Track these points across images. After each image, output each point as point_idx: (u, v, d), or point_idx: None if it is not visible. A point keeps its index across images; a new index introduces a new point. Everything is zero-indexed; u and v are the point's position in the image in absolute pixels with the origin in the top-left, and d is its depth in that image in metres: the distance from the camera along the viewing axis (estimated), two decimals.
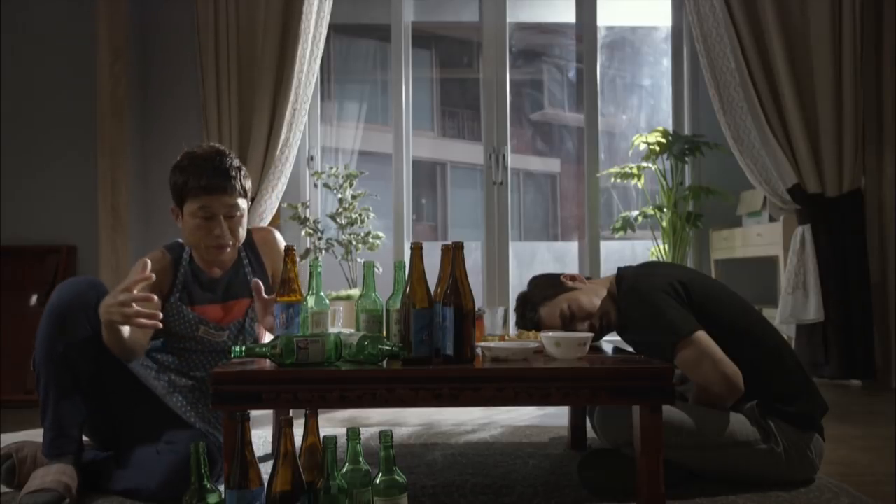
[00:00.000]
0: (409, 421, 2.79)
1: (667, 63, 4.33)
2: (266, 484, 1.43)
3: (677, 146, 3.82)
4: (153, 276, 1.73)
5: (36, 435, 1.89)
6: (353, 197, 3.25)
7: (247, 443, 1.42)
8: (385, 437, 1.48)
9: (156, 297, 1.75)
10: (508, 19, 4.09)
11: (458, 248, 1.62)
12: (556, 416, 2.77)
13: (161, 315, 1.75)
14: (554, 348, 1.70)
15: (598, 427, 1.92)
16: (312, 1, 3.52)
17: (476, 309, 1.65)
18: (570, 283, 2.11)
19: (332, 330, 1.74)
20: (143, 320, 1.70)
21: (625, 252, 4.51)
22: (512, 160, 4.08)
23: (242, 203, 2.02)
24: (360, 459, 1.48)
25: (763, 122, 3.46)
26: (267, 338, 2.15)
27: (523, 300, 2.17)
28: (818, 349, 3.42)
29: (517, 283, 4.02)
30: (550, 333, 1.78)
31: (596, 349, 1.96)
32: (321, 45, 3.61)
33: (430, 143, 5.56)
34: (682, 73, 4.15)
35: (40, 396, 1.85)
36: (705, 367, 1.81)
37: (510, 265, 4.07)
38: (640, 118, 4.91)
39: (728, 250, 3.92)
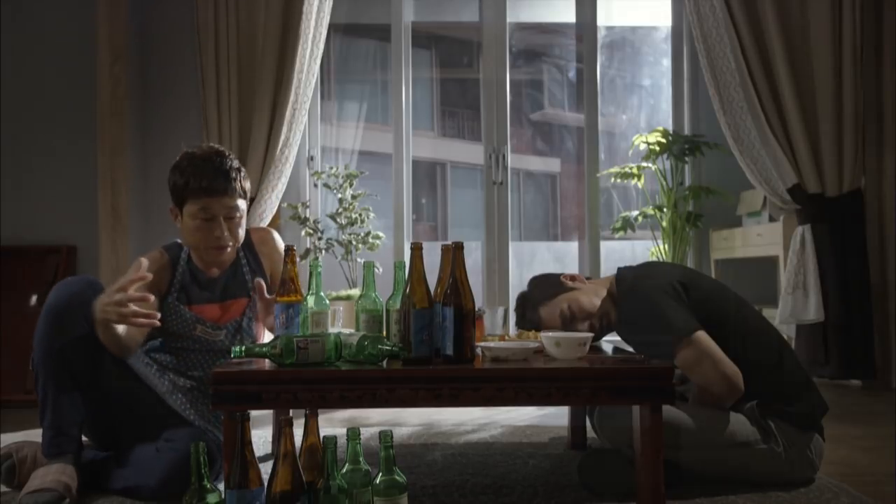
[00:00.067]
0: (409, 421, 2.79)
1: (667, 63, 4.32)
2: (266, 484, 1.43)
3: (677, 146, 3.82)
4: (149, 276, 1.73)
5: (36, 435, 1.89)
6: (353, 197, 3.25)
7: (247, 443, 1.42)
8: (385, 437, 1.48)
9: (152, 297, 1.75)
10: (508, 19, 4.09)
11: (458, 248, 1.62)
12: (556, 416, 2.77)
13: (159, 315, 1.75)
14: (554, 348, 1.70)
15: (598, 427, 1.92)
16: (312, 1, 3.52)
17: (476, 309, 1.65)
18: (570, 283, 2.11)
19: (332, 330, 1.74)
20: (140, 320, 1.70)
21: (625, 252, 4.51)
22: (512, 160, 4.08)
23: (242, 204, 2.02)
24: (360, 459, 1.48)
25: (763, 122, 3.46)
26: (266, 337, 2.15)
27: (523, 300, 2.17)
28: (818, 349, 3.42)
29: (517, 283, 4.02)
30: (550, 333, 1.78)
31: (596, 349, 1.96)
32: (321, 45, 3.61)
33: (430, 143, 5.55)
34: (682, 73, 4.15)
35: (39, 396, 1.85)
36: (705, 367, 1.81)
37: (510, 265, 4.07)
38: (640, 118, 4.91)
39: (728, 250, 3.92)
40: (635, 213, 3.90)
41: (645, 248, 4.17)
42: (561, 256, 5.06)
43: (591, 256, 4.11)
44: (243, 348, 1.58)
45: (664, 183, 3.88)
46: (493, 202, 4.05)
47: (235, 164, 2.01)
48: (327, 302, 1.75)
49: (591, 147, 4.13)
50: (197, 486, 1.40)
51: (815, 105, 3.48)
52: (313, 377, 1.56)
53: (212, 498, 1.40)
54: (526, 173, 5.70)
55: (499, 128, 4.06)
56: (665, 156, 3.86)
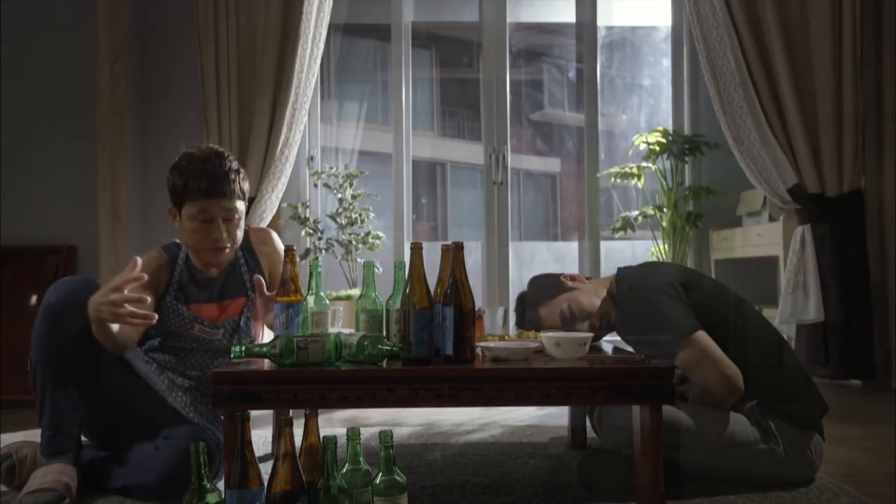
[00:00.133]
0: (409, 421, 2.79)
1: (667, 63, 4.32)
2: (266, 484, 1.43)
3: (677, 146, 3.82)
4: (144, 276, 1.73)
5: (36, 435, 1.89)
6: (353, 197, 3.25)
7: (247, 443, 1.42)
8: (385, 437, 1.48)
9: (148, 299, 1.75)
10: (508, 19, 4.09)
11: (458, 248, 1.62)
12: (556, 416, 2.77)
13: (156, 316, 1.75)
14: (554, 348, 1.70)
15: (598, 427, 1.92)
16: (312, 1, 3.52)
17: (476, 309, 1.65)
18: (570, 283, 2.11)
19: (332, 330, 1.74)
20: (136, 319, 1.70)
21: (625, 252, 4.51)
22: (512, 160, 4.08)
23: (240, 206, 2.02)
24: (360, 459, 1.48)
25: (763, 122, 3.46)
26: (265, 337, 2.16)
27: (523, 300, 2.17)
28: (818, 349, 3.42)
29: (517, 283, 4.02)
30: (550, 333, 1.78)
31: (596, 349, 1.96)
32: (321, 45, 3.61)
33: (430, 143, 5.55)
34: (682, 73, 4.15)
35: (37, 395, 1.85)
36: (705, 367, 1.81)
37: (510, 265, 4.07)
38: (640, 118, 4.91)
39: (728, 250, 3.92)
40: (635, 213, 3.90)
41: (645, 248, 4.17)
42: (561, 256, 5.05)
43: (591, 256, 4.11)
44: (243, 348, 1.58)
45: (664, 183, 3.88)
46: (493, 202, 4.05)
47: (234, 165, 2.01)
48: (327, 302, 1.75)
49: (591, 147, 4.13)
50: (197, 485, 1.40)
51: (815, 105, 3.48)
52: (313, 377, 1.56)
53: (212, 498, 1.40)
54: (526, 173, 5.69)
55: (499, 128, 4.06)
56: (665, 156, 3.86)
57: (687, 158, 3.85)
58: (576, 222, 4.67)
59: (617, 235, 4.04)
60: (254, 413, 1.50)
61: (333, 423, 2.75)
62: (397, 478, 1.48)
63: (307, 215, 3.25)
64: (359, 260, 3.16)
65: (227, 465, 1.46)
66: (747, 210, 3.86)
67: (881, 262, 3.51)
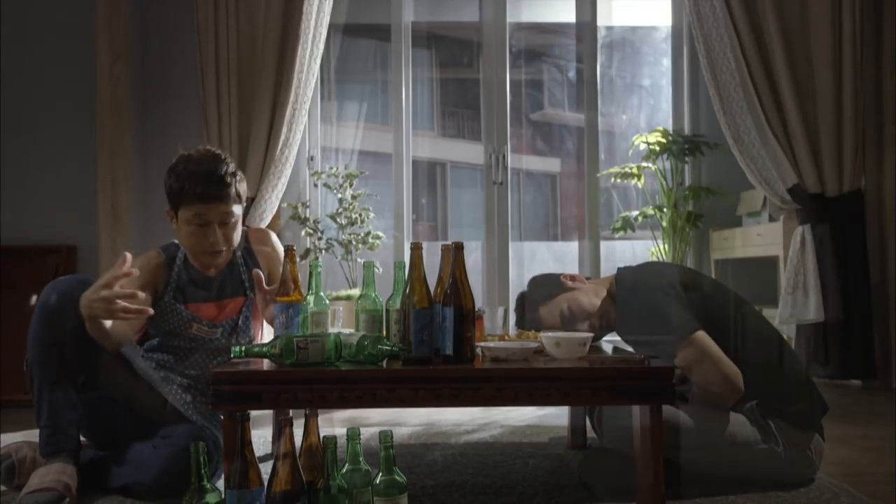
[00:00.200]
0: (409, 421, 2.79)
1: (667, 63, 4.32)
2: (266, 484, 1.43)
3: (677, 146, 3.82)
4: (135, 272, 1.72)
5: (35, 435, 1.89)
6: (353, 197, 3.25)
7: (247, 443, 1.42)
8: (385, 437, 1.48)
9: (141, 294, 1.75)
10: (508, 19, 4.10)
11: (458, 248, 1.62)
12: (556, 416, 2.77)
13: (151, 310, 1.76)
14: (554, 348, 1.70)
15: (598, 427, 1.92)
16: (312, 1, 3.52)
17: (476, 309, 1.65)
18: (570, 283, 2.11)
19: (332, 330, 1.74)
20: (129, 315, 1.69)
21: (625, 252, 4.50)
22: (512, 160, 4.08)
23: (237, 209, 2.02)
24: (360, 459, 1.49)
25: (763, 122, 3.46)
26: (264, 336, 2.16)
27: (523, 300, 2.17)
28: (818, 349, 3.42)
29: (517, 283, 4.02)
30: (550, 333, 1.78)
31: (596, 349, 1.96)
32: (321, 45, 3.61)
33: (430, 143, 5.55)
34: (682, 73, 4.15)
35: (34, 396, 1.86)
36: (705, 366, 1.81)
37: (510, 265, 4.07)
38: (640, 118, 4.90)
39: (728, 250, 3.92)
40: (635, 213, 3.90)
41: (645, 248, 4.17)
42: (561, 256, 5.05)
43: (591, 256, 4.11)
44: (243, 348, 1.58)
45: (664, 183, 3.88)
46: (493, 202, 4.05)
47: (231, 168, 2.00)
48: (327, 302, 1.75)
49: (591, 147, 4.13)
50: (197, 485, 1.40)
51: (815, 105, 3.48)
52: (313, 377, 1.55)
53: (212, 498, 1.40)
54: (526, 173, 5.69)
55: (499, 128, 4.06)
56: (665, 156, 3.86)
57: (687, 158, 3.85)
58: (576, 222, 4.67)
59: (617, 235, 4.04)
60: (254, 413, 1.50)
61: (333, 423, 2.75)
62: (397, 478, 1.48)
63: (307, 215, 3.25)
64: (359, 260, 3.16)
65: (227, 465, 1.46)
66: (747, 210, 3.86)
67: (881, 263, 3.51)
